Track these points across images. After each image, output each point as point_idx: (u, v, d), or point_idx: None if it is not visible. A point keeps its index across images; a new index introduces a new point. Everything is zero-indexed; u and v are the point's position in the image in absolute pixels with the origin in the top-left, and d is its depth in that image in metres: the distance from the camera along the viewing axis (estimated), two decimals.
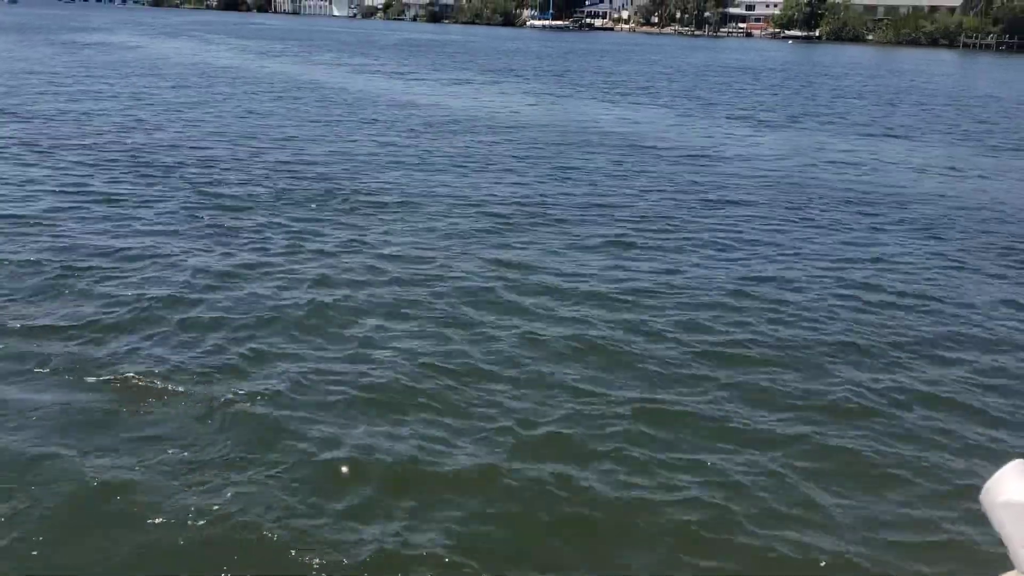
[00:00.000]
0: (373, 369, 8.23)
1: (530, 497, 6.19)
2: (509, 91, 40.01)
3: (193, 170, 17.28)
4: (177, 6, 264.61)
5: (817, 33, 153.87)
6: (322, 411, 7.49)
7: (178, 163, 18.01)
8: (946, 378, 8.63)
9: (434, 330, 9.15)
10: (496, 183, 17.35)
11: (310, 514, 5.98)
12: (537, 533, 5.82)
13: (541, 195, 16.44)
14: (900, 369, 8.83)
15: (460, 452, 6.82)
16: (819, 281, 11.91)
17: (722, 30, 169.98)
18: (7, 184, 15.36)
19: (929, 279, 12.44)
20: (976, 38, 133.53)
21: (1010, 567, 1.93)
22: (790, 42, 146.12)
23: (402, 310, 9.85)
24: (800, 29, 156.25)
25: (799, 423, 7.62)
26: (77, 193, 15.00)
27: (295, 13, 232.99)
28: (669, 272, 11.88)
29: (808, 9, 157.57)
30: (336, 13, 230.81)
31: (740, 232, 14.62)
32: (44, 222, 12.92)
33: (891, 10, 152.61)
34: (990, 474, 1.97)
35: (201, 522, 5.82)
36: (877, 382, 8.49)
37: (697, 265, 12.34)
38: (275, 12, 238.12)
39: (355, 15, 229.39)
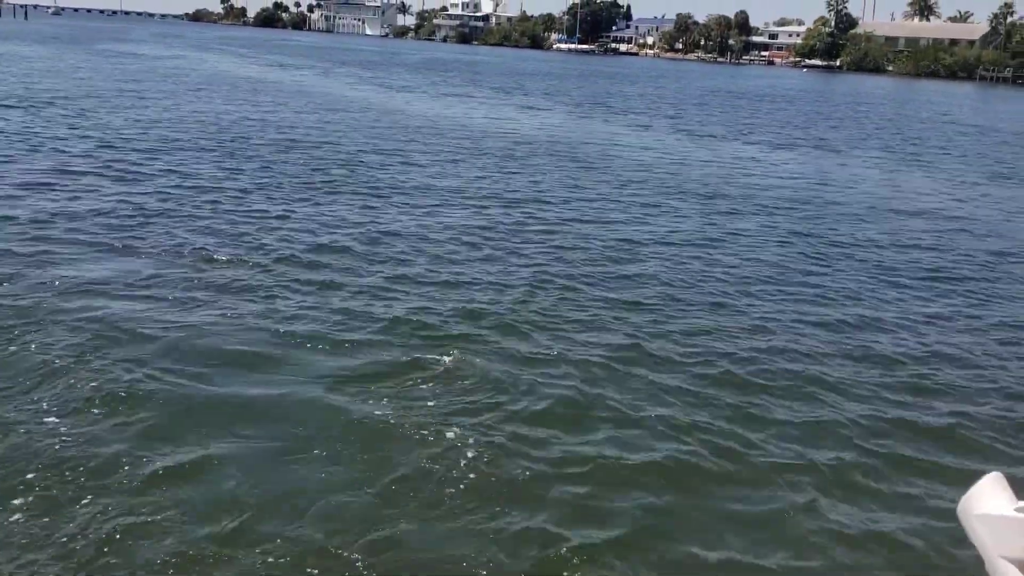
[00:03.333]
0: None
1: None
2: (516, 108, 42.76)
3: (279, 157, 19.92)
4: (215, 21, 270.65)
5: (838, 63, 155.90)
6: None
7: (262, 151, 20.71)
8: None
9: None
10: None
11: None
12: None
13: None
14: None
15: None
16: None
17: (744, 58, 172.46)
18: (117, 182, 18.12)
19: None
20: (994, 71, 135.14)
21: None
22: (804, 70, 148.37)
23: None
24: (821, 59, 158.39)
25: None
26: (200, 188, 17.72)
27: (329, 31, 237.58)
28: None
29: (830, 39, 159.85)
30: (369, 32, 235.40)
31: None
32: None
33: (911, 42, 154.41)
34: (966, 488, 1.98)
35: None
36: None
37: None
38: (309, 30, 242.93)
39: (387, 35, 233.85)
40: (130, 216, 14.29)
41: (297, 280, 11.30)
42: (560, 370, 8.71)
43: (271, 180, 18.42)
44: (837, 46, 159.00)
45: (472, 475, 6.61)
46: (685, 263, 13.56)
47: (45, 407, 7.21)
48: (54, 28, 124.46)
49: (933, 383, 8.83)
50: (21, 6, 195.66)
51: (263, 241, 13.22)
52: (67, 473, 6.22)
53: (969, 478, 2.09)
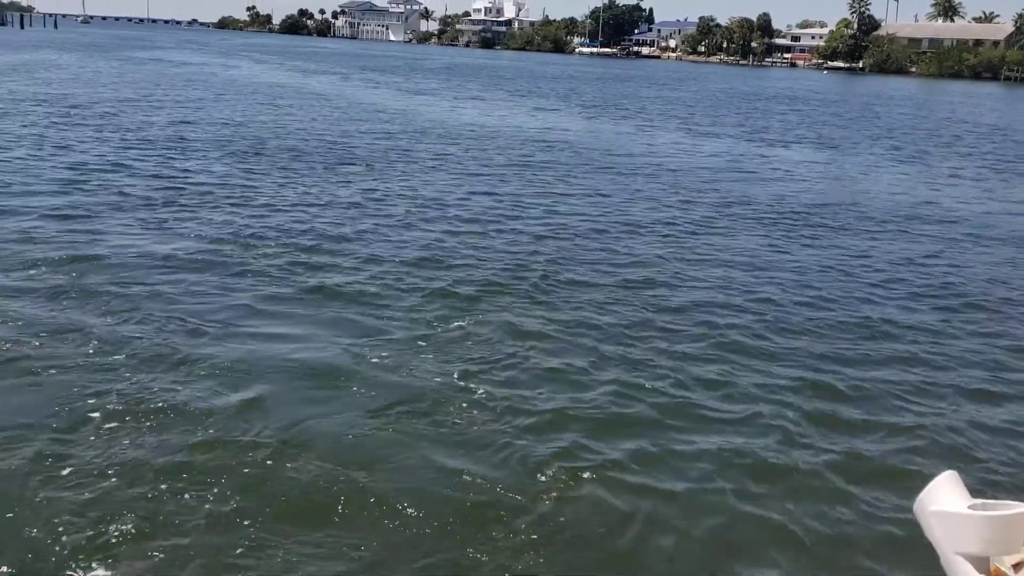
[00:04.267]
0: None
1: None
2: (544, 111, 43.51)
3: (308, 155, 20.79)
4: (240, 29, 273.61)
5: (860, 64, 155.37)
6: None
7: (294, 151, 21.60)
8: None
9: None
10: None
11: None
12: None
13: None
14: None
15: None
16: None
17: (766, 60, 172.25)
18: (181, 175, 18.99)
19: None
20: (1018, 71, 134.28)
21: (940, 572, 2.01)
22: (825, 72, 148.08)
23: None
24: (844, 60, 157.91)
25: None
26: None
27: (353, 38, 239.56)
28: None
29: (852, 41, 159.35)
30: (392, 38, 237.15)
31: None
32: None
33: (935, 43, 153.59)
34: (923, 486, 2.03)
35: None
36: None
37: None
38: (334, 36, 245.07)
39: (411, 40, 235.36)
40: (161, 207, 15.15)
41: (327, 256, 12.49)
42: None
43: (299, 175, 19.33)
44: (860, 48, 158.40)
45: (485, 410, 7.61)
46: (684, 244, 14.26)
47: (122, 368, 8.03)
48: (83, 36, 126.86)
49: (889, 382, 8.87)
50: (51, 15, 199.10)
51: (292, 227, 14.19)
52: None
53: (925, 477, 2.14)
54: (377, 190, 18.17)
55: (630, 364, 8.93)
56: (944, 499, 2.05)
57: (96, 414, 7.06)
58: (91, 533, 5.49)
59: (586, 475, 6.59)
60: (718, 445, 7.23)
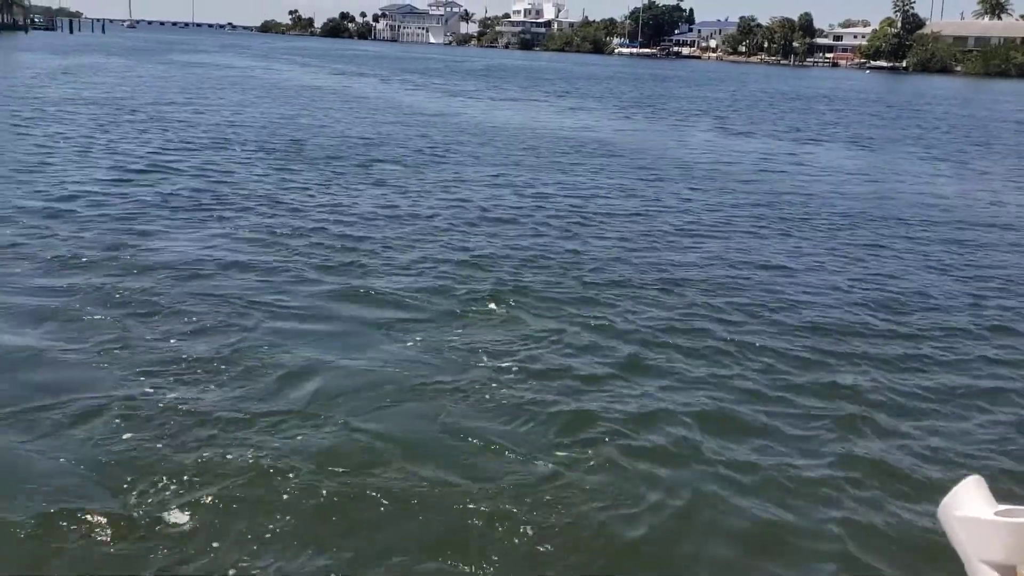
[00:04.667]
0: None
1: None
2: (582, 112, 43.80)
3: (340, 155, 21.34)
4: (283, 32, 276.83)
5: (904, 64, 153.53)
6: None
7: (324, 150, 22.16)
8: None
9: None
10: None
11: None
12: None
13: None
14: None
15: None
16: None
17: (808, 60, 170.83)
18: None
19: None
20: None
21: None
22: (867, 71, 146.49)
23: None
24: (887, 60, 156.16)
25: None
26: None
27: (394, 40, 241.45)
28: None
29: (896, 40, 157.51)
30: (432, 41, 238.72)
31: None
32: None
33: (981, 41, 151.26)
34: (947, 491, 2.01)
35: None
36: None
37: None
38: (375, 39, 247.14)
39: (450, 42, 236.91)
40: (205, 205, 15.62)
41: (364, 248, 12.98)
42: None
43: (337, 173, 19.85)
44: (903, 47, 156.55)
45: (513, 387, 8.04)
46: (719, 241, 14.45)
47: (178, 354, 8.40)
48: (129, 40, 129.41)
49: (916, 386, 8.79)
50: (98, 20, 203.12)
51: (331, 220, 14.82)
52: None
53: (950, 481, 2.08)
54: (414, 189, 18.53)
55: (669, 368, 8.93)
56: (969, 504, 2.00)
57: (137, 411, 7.17)
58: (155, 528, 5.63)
59: (615, 465, 6.74)
60: (752, 448, 7.24)
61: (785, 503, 6.40)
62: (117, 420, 6.99)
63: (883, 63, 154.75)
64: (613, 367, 8.74)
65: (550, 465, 6.67)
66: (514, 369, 8.49)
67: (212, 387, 7.69)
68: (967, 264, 14.53)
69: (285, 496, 6.03)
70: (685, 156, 27.18)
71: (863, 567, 5.75)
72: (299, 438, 6.84)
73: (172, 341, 8.75)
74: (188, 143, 23.49)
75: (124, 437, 6.71)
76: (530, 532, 5.82)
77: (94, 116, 28.59)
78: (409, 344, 9.02)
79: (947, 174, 26.29)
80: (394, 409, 7.51)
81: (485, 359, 8.66)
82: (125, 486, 6.03)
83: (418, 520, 5.89)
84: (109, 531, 5.52)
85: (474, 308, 10.41)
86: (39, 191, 15.95)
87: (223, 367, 8.11)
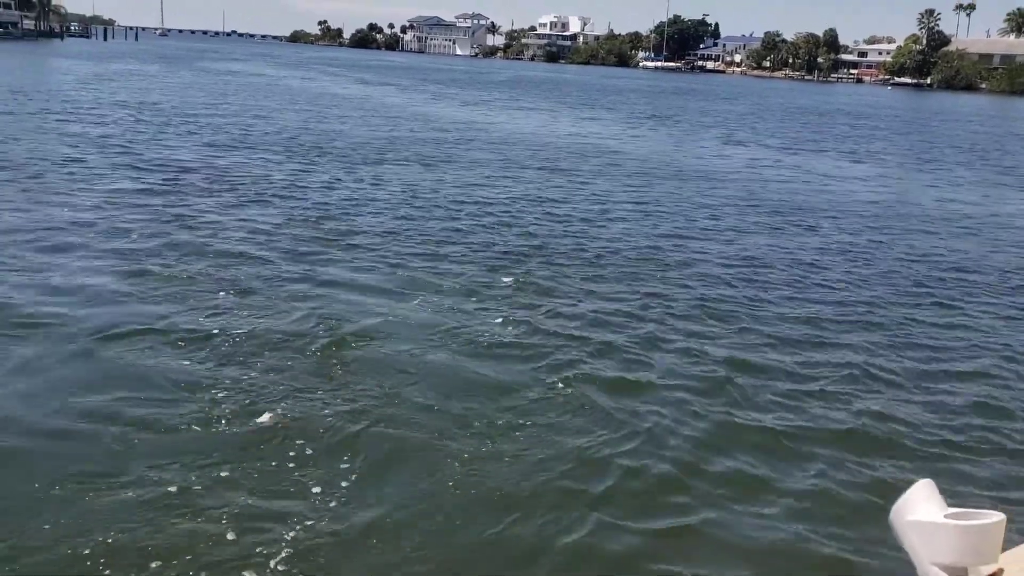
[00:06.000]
0: None
1: None
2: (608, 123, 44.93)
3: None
4: (311, 43, 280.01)
5: (928, 81, 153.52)
6: None
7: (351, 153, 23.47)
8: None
9: None
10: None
11: None
12: None
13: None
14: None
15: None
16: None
17: (832, 76, 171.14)
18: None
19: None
20: None
21: None
22: (889, 88, 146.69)
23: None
24: (911, 76, 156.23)
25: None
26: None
27: (421, 52, 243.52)
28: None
29: (920, 57, 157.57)
30: (459, 52, 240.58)
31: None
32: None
33: (1007, 59, 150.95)
34: (898, 495, 2.03)
35: None
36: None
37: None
38: (402, 50, 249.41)
39: (476, 54, 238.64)
40: (239, 197, 16.85)
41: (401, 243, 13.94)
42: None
43: (368, 173, 21.13)
44: (928, 64, 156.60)
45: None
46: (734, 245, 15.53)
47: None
48: (162, 48, 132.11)
49: (869, 390, 8.80)
50: (131, 28, 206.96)
51: (362, 216, 15.86)
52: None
53: (901, 485, 2.06)
54: (431, 186, 19.71)
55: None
56: (920, 508, 2.01)
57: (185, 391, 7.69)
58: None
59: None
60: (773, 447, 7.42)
61: (728, 509, 6.37)
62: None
63: (907, 79, 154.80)
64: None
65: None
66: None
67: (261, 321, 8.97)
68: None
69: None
70: (684, 163, 28.24)
71: (813, 572, 5.80)
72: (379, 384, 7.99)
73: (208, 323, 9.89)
74: (218, 143, 24.81)
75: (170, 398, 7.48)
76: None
77: (131, 117, 30.11)
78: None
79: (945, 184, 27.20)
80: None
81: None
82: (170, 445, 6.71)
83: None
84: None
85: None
86: (113, 172, 17.52)
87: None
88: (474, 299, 10.93)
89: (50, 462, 6.29)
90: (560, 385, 8.24)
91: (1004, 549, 1.97)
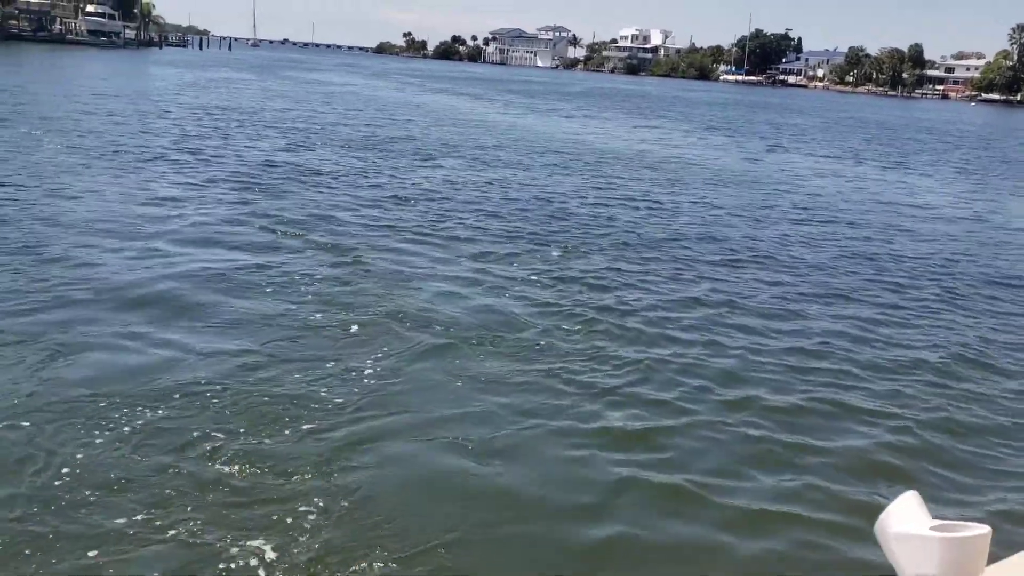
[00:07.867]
0: None
1: None
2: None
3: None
4: (397, 54, 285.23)
5: (1019, 97, 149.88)
6: None
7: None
8: None
9: None
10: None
11: None
12: None
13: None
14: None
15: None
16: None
17: (917, 92, 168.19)
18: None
19: None
20: None
21: None
22: (973, 104, 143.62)
23: None
24: (1001, 93, 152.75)
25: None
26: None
27: (503, 63, 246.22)
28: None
29: (1010, 73, 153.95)
30: (539, 64, 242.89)
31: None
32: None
33: None
34: (883, 507, 2.04)
35: None
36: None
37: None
38: (484, 62, 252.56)
39: (557, 66, 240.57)
40: (321, 184, 18.53)
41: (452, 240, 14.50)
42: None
43: (428, 174, 22.53)
44: (1019, 80, 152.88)
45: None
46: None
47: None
48: (254, 58, 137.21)
49: (852, 401, 8.63)
50: (224, 38, 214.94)
51: (419, 213, 16.96)
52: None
53: (886, 497, 2.19)
54: (475, 183, 21.41)
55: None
56: (905, 520, 2.00)
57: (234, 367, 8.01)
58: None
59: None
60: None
61: (710, 521, 6.27)
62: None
63: (995, 96, 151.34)
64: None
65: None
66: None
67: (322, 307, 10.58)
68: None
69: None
70: (720, 167, 29.45)
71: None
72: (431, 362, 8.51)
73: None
74: (305, 143, 26.93)
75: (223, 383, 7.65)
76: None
77: (228, 118, 32.66)
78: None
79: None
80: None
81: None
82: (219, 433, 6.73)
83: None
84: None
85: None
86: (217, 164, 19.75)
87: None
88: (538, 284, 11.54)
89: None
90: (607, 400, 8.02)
91: (989, 562, 1.96)
